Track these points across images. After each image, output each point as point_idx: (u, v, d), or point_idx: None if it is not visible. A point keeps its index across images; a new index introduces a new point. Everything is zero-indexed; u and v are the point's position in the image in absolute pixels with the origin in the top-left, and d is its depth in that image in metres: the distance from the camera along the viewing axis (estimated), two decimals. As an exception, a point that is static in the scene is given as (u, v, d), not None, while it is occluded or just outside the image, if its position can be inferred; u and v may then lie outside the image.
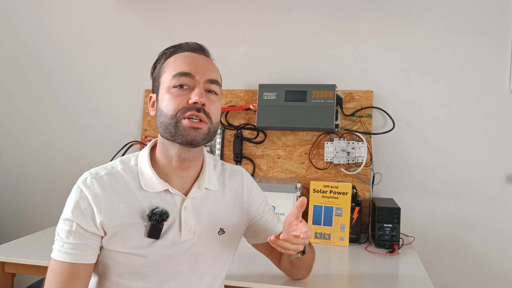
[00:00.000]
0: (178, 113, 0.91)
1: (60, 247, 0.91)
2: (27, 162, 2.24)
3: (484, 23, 1.80)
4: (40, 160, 2.22)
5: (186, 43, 0.98)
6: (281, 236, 0.92)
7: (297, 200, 1.70)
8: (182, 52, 0.97)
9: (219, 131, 1.95)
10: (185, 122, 0.91)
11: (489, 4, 1.79)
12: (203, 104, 0.92)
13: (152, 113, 0.99)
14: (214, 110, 0.95)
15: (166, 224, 0.94)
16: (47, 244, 1.44)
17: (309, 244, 1.13)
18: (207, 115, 0.93)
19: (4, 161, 2.27)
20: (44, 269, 1.30)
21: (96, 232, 0.91)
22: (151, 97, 1.00)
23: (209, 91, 0.95)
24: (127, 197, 0.94)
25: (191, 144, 0.92)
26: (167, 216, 0.94)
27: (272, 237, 0.92)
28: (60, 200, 1.13)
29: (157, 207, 0.94)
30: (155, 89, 0.99)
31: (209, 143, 1.93)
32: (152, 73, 1.01)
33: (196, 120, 0.91)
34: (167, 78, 0.94)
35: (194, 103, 0.91)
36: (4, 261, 1.35)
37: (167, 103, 0.92)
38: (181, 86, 0.92)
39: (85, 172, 0.96)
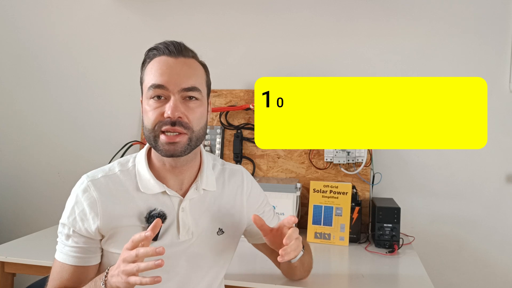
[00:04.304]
0: (156, 127, 0.90)
1: (61, 249, 0.94)
2: (27, 162, 2.24)
3: (484, 23, 1.80)
4: (40, 160, 2.22)
5: (165, 43, 0.95)
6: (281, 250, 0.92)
7: (297, 200, 1.70)
8: (160, 56, 0.94)
9: (219, 131, 1.95)
10: (162, 137, 0.90)
11: (489, 4, 1.79)
12: (179, 117, 0.89)
13: None
14: (195, 118, 0.92)
15: (164, 226, 0.95)
16: (47, 244, 1.44)
17: (306, 246, 1.13)
18: (185, 125, 0.90)
19: (4, 161, 2.27)
20: (43, 269, 1.31)
21: (92, 236, 0.92)
22: (141, 101, 0.99)
23: (189, 97, 0.92)
24: (125, 199, 0.94)
25: (172, 157, 0.91)
26: (165, 218, 0.95)
27: (281, 252, 0.92)
28: (60, 200, 1.13)
29: (154, 209, 0.94)
30: (142, 93, 0.98)
31: (208, 143, 1.95)
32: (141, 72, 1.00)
33: (173, 134, 0.89)
34: (145, 87, 0.93)
35: (168, 117, 0.89)
36: (4, 261, 1.35)
37: (146, 116, 0.92)
38: (158, 97, 0.91)
39: (83, 176, 0.97)
